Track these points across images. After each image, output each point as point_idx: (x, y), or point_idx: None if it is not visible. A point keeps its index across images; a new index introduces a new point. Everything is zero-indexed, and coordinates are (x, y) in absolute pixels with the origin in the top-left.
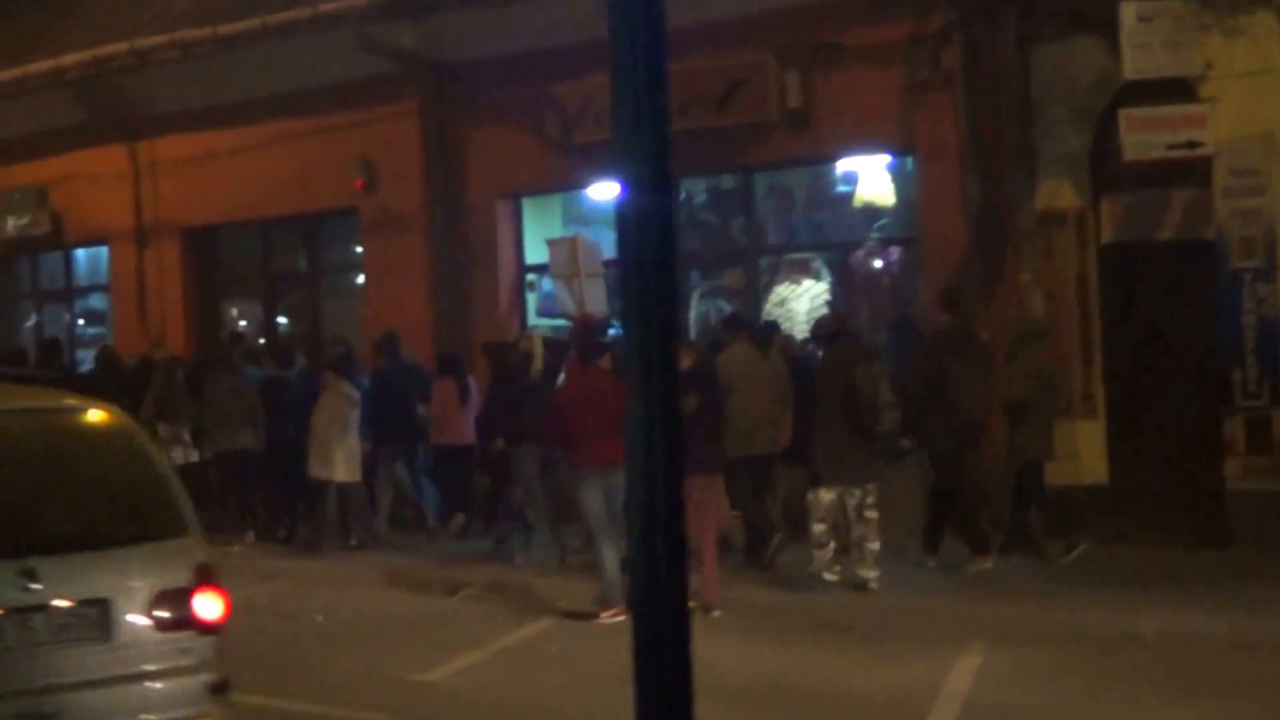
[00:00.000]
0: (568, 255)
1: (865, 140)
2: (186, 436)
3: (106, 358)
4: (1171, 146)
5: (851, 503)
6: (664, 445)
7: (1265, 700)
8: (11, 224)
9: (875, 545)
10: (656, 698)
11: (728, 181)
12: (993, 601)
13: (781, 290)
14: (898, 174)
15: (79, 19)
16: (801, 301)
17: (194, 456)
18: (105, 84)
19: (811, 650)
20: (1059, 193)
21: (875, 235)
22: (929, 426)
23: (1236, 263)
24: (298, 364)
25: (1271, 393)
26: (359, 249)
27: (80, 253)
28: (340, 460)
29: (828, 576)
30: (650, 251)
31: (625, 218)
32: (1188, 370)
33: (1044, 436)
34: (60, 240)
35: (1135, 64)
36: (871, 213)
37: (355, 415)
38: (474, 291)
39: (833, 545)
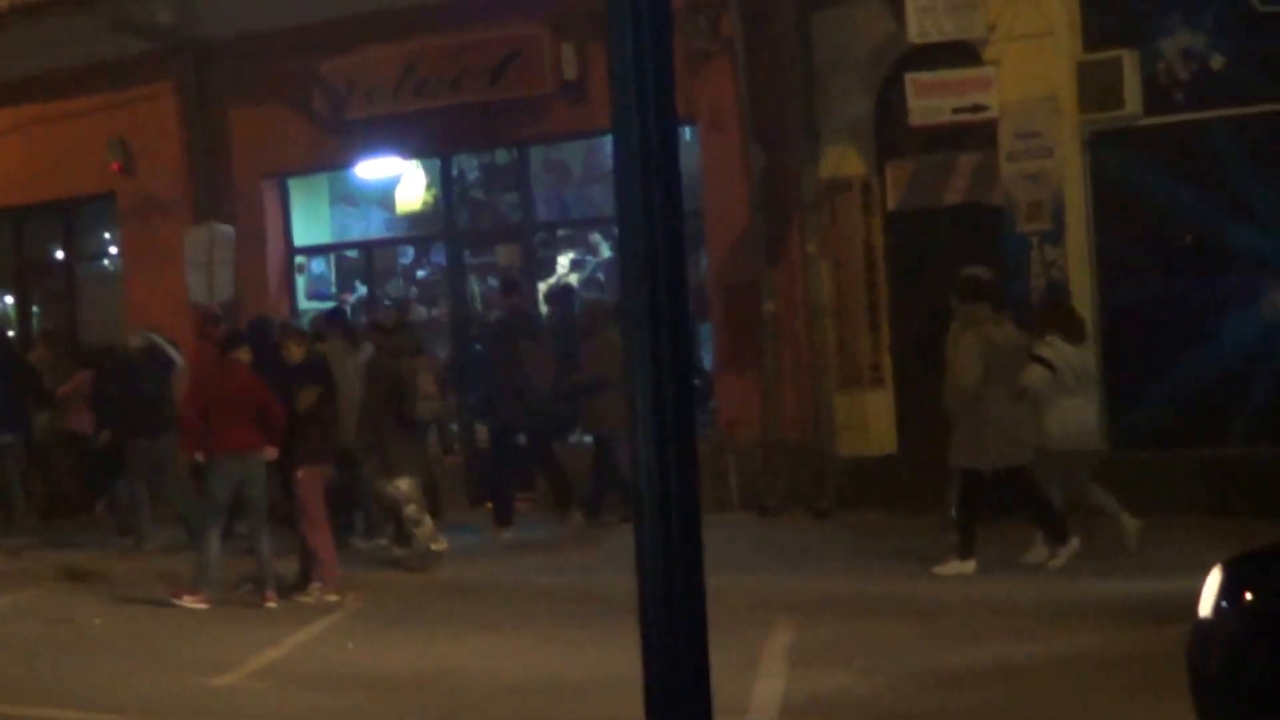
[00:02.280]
0: (205, 242)
1: None
2: None
3: None
4: (957, 110)
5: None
6: (674, 404)
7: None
8: None
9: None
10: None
11: (501, 156)
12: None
13: (560, 264)
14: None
15: None
16: (573, 278)
17: None
18: None
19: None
20: (843, 160)
21: None
22: (506, 407)
23: (1024, 226)
24: None
25: None
26: (118, 235)
27: None
28: None
29: (435, 548)
30: (654, 206)
31: (623, 173)
32: None
33: (620, 409)
34: None
35: (920, 28)
36: None
37: None
38: (242, 275)
39: (428, 520)
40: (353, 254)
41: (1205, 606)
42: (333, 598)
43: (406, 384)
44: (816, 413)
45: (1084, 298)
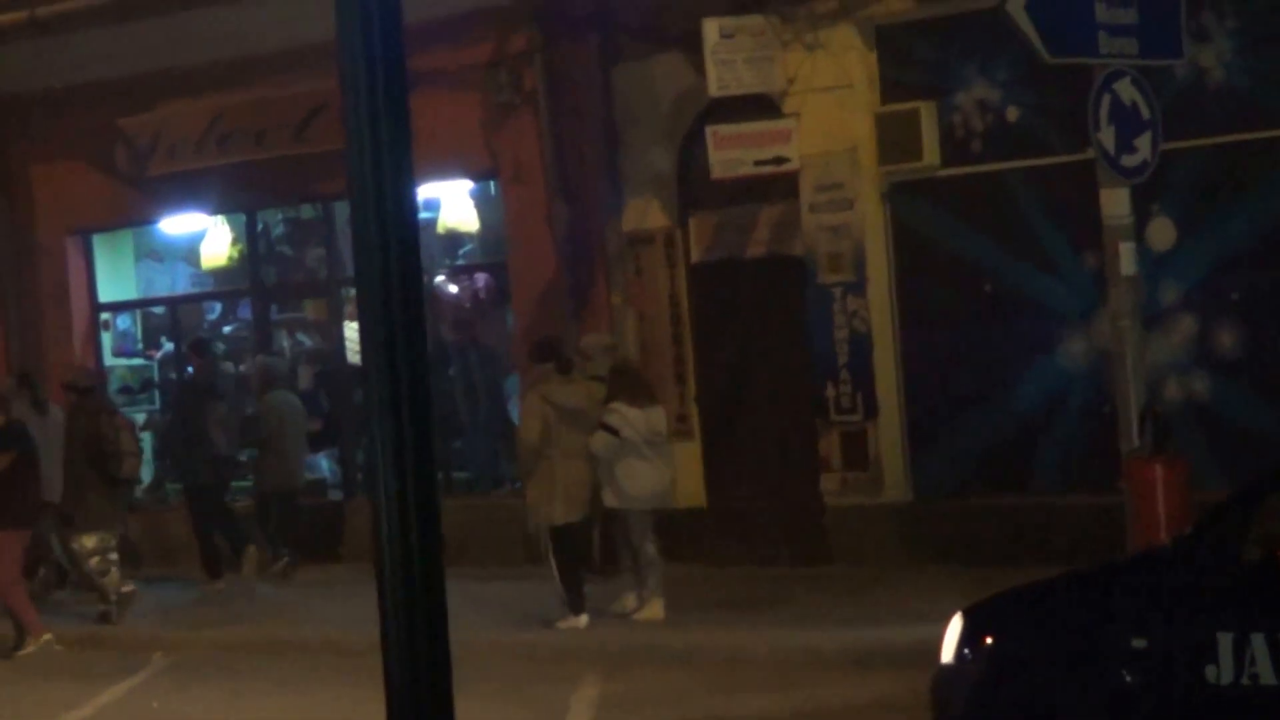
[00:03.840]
0: None
1: (446, 165)
2: None
3: None
4: (759, 163)
5: (98, 544)
6: (415, 459)
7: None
8: None
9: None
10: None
11: (307, 211)
12: None
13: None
14: (481, 199)
15: None
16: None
17: None
18: None
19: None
20: (647, 213)
21: (460, 262)
22: (188, 464)
23: (825, 278)
24: None
25: (865, 407)
26: None
27: None
28: None
29: (124, 590)
30: (392, 261)
31: (361, 224)
32: (782, 387)
33: (288, 468)
34: None
35: (719, 80)
36: (455, 239)
37: None
38: (47, 332)
39: (113, 568)
40: (159, 310)
41: (947, 653)
42: (44, 641)
43: (109, 442)
44: None
45: (886, 347)
